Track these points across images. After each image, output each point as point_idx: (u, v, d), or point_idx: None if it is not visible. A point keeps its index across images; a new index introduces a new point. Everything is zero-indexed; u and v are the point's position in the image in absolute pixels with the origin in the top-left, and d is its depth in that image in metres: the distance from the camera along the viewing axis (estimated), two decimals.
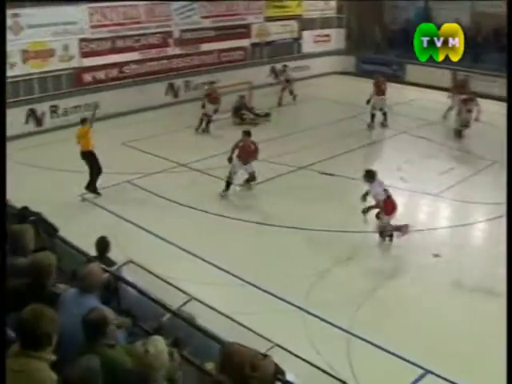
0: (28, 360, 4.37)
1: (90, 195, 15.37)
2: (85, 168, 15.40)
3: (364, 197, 13.18)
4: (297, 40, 30.35)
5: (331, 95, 22.82)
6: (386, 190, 12.92)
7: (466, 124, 19.93)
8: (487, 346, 9.42)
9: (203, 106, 20.88)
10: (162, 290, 8.54)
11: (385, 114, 21.87)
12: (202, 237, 13.27)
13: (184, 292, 7.64)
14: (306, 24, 30.61)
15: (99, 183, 15.50)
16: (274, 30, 29.13)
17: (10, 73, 20.39)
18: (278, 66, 28.45)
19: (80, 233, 11.14)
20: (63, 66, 22.10)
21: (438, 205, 15.71)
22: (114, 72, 23.65)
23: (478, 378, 8.72)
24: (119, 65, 23.71)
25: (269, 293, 11.10)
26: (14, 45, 20.41)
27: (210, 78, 25.26)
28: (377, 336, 9.71)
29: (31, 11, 20.84)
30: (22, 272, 6.18)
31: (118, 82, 23.67)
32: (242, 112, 22.07)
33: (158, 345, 4.71)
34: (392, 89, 27.53)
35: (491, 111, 20.05)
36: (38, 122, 21.25)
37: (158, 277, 8.22)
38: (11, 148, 17.93)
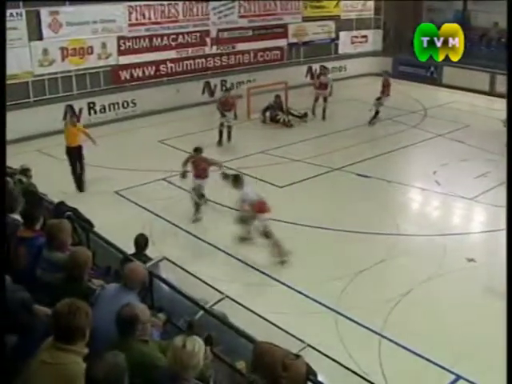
0: (61, 353, 4.41)
1: (125, 192, 15.50)
2: (122, 165, 15.55)
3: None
4: (334, 40, 30.25)
5: (367, 97, 22.64)
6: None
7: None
8: None
9: (223, 115, 19.74)
10: (194, 288, 8.62)
11: (377, 113, 22.18)
12: (236, 236, 13.28)
13: (217, 290, 7.68)
14: (344, 25, 30.50)
15: (134, 181, 15.65)
16: (311, 30, 29.05)
17: (49, 69, 20.76)
18: (316, 66, 28.49)
19: (115, 229, 11.26)
20: (101, 64, 22.33)
21: (473, 209, 15.57)
22: (151, 70, 23.81)
23: None
24: (156, 63, 23.86)
25: (301, 293, 11.11)
26: (53, 42, 20.75)
27: (246, 77, 25.40)
28: (409, 339, 9.65)
29: (70, 9, 21.09)
30: (58, 267, 6.26)
31: (154, 80, 23.85)
32: (276, 113, 22.06)
33: (196, 345, 4.71)
34: (429, 91, 27.50)
35: None
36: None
37: (191, 274, 8.27)
38: (49, 143, 18.35)
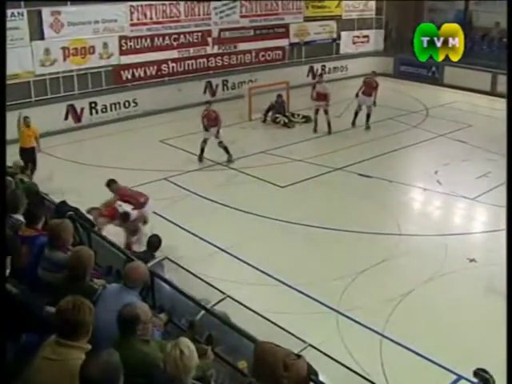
0: (64, 349, 4.42)
1: None
2: (123, 164, 15.53)
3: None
4: (335, 40, 30.26)
5: None
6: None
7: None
8: None
9: (206, 129, 18.01)
10: (196, 288, 8.62)
11: (368, 116, 21.52)
12: (238, 236, 13.29)
13: (218, 290, 7.68)
14: (345, 24, 30.51)
15: (135, 180, 15.64)
16: (312, 30, 29.07)
17: (50, 69, 20.76)
18: (317, 66, 28.50)
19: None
20: (103, 64, 22.33)
21: (474, 209, 15.56)
22: (153, 70, 23.81)
23: None
24: (158, 63, 23.87)
25: (303, 293, 11.11)
26: (54, 42, 20.76)
27: (247, 77, 25.39)
28: (410, 339, 9.65)
29: (72, 9, 21.09)
30: (59, 266, 6.27)
31: (156, 80, 23.85)
32: (275, 116, 22.01)
33: (190, 345, 4.72)
34: (430, 91, 27.49)
35: None
36: (78, 118, 21.49)
37: (192, 274, 8.28)
38: (51, 143, 18.35)
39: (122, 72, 22.94)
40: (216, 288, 7.79)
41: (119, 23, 22.41)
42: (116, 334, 5.07)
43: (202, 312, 6.84)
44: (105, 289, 6.04)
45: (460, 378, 8.88)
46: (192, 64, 24.89)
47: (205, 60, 25.28)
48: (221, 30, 25.47)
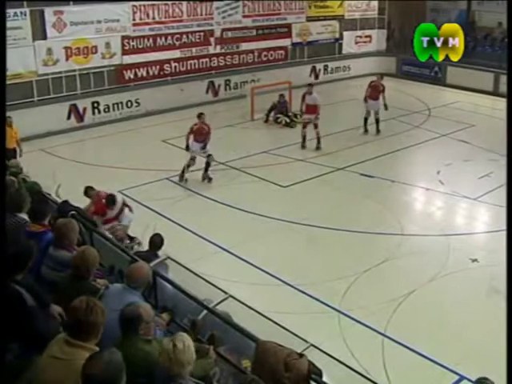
0: (73, 349, 4.42)
1: (128, 191, 15.49)
2: (125, 164, 15.52)
3: None
4: (338, 40, 30.26)
5: None
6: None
7: None
8: None
9: (187, 148, 16.65)
10: (198, 288, 8.62)
11: (378, 121, 21.02)
12: (240, 236, 13.30)
13: (221, 290, 7.69)
14: (348, 24, 30.52)
15: (138, 180, 15.68)
16: (315, 29, 29.07)
17: (53, 69, 20.77)
18: (320, 66, 28.51)
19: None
20: (105, 63, 22.35)
21: (476, 209, 15.56)
22: (155, 70, 23.83)
23: None
24: (160, 62, 23.88)
25: (305, 293, 11.12)
26: (57, 41, 20.77)
27: (250, 77, 25.39)
28: (412, 339, 9.64)
29: (75, 9, 21.12)
30: (63, 265, 6.28)
31: (158, 80, 23.86)
32: (277, 116, 22.01)
33: (185, 341, 4.72)
34: (432, 91, 27.49)
35: None
36: (80, 117, 21.50)
37: (195, 274, 8.28)
38: (53, 143, 18.38)
39: (124, 72, 22.95)
40: (218, 288, 7.79)
41: (122, 23, 22.43)
42: (118, 333, 5.09)
43: (205, 312, 6.85)
44: (107, 289, 6.05)
45: (462, 378, 8.88)
46: (194, 64, 24.91)
47: (207, 60, 25.29)
48: (223, 30, 25.49)
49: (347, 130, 21.08)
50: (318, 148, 19.17)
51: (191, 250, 12.07)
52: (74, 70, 21.52)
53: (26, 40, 19.96)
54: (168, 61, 24.08)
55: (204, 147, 16.48)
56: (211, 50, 25.31)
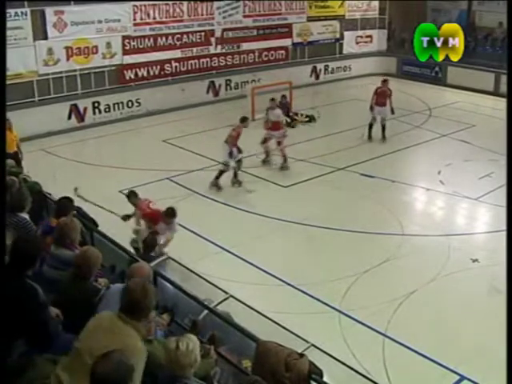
0: (126, 326, 4.63)
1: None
2: (126, 164, 15.51)
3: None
4: (338, 40, 30.26)
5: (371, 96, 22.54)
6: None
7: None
8: None
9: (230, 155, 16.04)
10: (199, 288, 8.62)
11: (384, 127, 20.32)
12: (241, 236, 13.31)
13: (221, 290, 7.69)
14: (348, 24, 30.51)
15: (138, 180, 15.67)
16: (315, 29, 29.07)
17: (53, 69, 20.78)
18: (320, 66, 28.52)
19: (119, 228, 11.27)
20: (106, 63, 22.35)
21: (477, 209, 15.56)
22: (156, 69, 23.83)
23: None
24: (161, 62, 23.88)
25: (306, 293, 11.13)
26: (58, 41, 20.77)
27: (250, 77, 25.40)
28: (413, 339, 9.65)
29: (75, 8, 21.13)
30: (65, 264, 6.29)
31: (159, 80, 23.86)
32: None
33: (190, 343, 4.75)
34: (433, 91, 27.49)
35: None
36: (81, 117, 21.51)
37: (195, 274, 8.28)
38: (54, 143, 18.39)
39: (125, 72, 22.95)
40: (219, 288, 7.79)
41: (122, 23, 22.43)
42: None
43: (205, 312, 6.85)
44: (108, 289, 6.05)
45: (463, 378, 8.88)
46: (195, 64, 24.91)
47: (208, 60, 25.29)
48: (224, 30, 25.49)
49: (348, 130, 21.03)
50: (283, 168, 17.46)
51: (192, 249, 12.06)
52: (75, 70, 21.52)
53: (27, 40, 19.97)
54: (169, 61, 24.08)
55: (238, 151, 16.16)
56: (212, 49, 25.31)
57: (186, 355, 4.67)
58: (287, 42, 28.06)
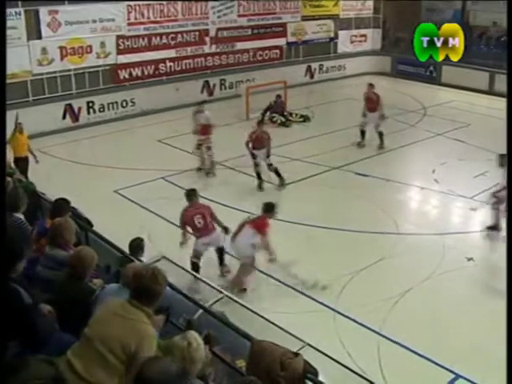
0: (137, 311, 4.72)
1: (124, 191, 15.50)
2: (121, 164, 15.49)
3: None
4: (333, 39, 30.26)
5: None
6: None
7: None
8: None
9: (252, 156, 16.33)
10: (194, 287, 8.63)
11: (380, 134, 19.38)
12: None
13: (216, 289, 7.69)
14: (343, 24, 30.52)
15: (133, 180, 15.67)
16: (310, 29, 29.07)
17: (48, 69, 20.75)
18: (315, 66, 28.54)
19: (114, 228, 11.25)
20: (100, 63, 22.33)
21: (471, 208, 15.57)
22: (150, 69, 23.81)
23: None
24: (155, 62, 23.86)
25: (301, 292, 11.13)
26: (52, 41, 20.75)
27: (245, 76, 25.37)
28: (408, 338, 9.66)
29: (69, 8, 21.10)
30: (60, 264, 6.27)
31: (153, 80, 23.84)
32: (272, 115, 21.98)
33: (197, 338, 4.82)
34: (428, 90, 27.54)
35: None
36: (75, 117, 21.48)
37: (190, 273, 8.28)
38: (49, 142, 18.35)
39: (119, 71, 22.93)
40: (214, 287, 7.80)
41: (117, 22, 22.41)
42: None
43: (200, 311, 6.84)
44: (103, 289, 6.04)
45: (458, 376, 8.89)
46: (189, 63, 24.89)
47: (202, 59, 25.27)
48: (218, 30, 25.47)
49: (342, 129, 21.01)
50: (208, 173, 17.17)
51: (186, 249, 12.02)
52: (69, 70, 21.50)
53: (21, 40, 19.95)
54: (163, 60, 24.06)
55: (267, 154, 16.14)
56: (206, 49, 25.29)
57: (198, 350, 4.74)
58: (282, 42, 28.06)
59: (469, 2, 30.16)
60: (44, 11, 20.49)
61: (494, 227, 13.51)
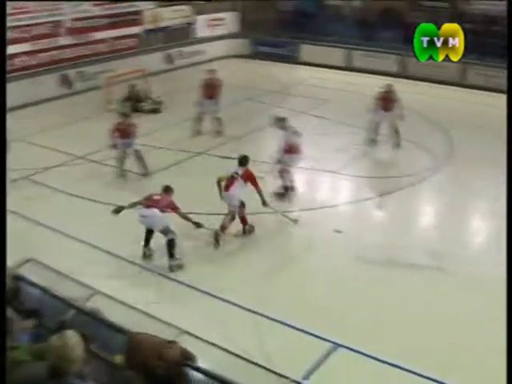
0: None
1: None
2: None
3: None
4: (191, 25, 30.18)
5: (227, 79, 22.34)
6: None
7: None
8: (385, 312, 9.96)
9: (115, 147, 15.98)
10: (66, 287, 8.44)
11: (396, 131, 18.03)
12: (105, 229, 12.89)
13: (87, 286, 7.58)
14: (200, 8, 30.47)
15: None
16: (167, 15, 28.83)
17: None
18: (172, 52, 28.39)
19: None
20: None
21: (336, 181, 15.97)
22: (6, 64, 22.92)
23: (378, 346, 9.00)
24: (9, 57, 22.97)
25: (172, 279, 11.08)
26: None
27: (103, 67, 24.87)
28: (285, 314, 9.82)
29: None
30: None
31: (10, 75, 22.96)
32: (138, 105, 21.50)
33: (73, 338, 4.77)
34: (288, 69, 28.05)
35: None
36: None
37: (60, 273, 8.11)
38: None
39: None
40: (84, 284, 7.69)
41: None
42: None
43: (73, 311, 6.74)
44: None
45: (336, 345, 9.07)
46: (45, 56, 24.12)
47: (58, 52, 24.55)
48: (73, 20, 24.80)
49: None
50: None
51: (57, 249, 11.72)
52: None
53: None
54: (18, 55, 23.18)
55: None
56: (62, 41, 24.58)
57: (74, 349, 4.70)
58: (138, 29, 27.67)
59: None
60: None
61: (286, 190, 14.46)
